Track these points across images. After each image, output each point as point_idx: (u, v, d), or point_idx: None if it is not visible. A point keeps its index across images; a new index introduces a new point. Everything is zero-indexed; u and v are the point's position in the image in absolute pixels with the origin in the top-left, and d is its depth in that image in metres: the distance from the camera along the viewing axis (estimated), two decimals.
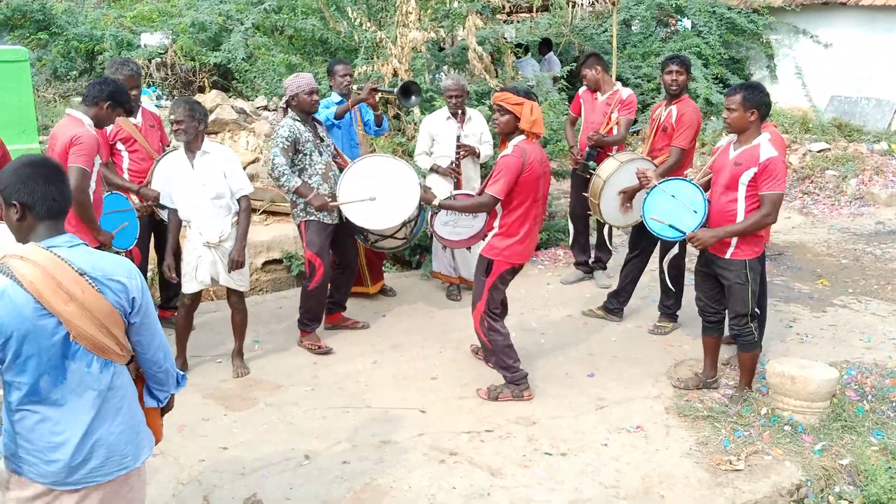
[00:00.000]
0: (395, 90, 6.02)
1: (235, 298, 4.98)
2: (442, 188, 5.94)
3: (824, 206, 9.59)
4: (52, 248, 2.28)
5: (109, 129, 5.15)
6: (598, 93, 6.34)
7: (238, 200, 4.79)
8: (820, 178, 10.18)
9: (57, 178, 2.35)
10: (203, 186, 4.66)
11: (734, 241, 4.41)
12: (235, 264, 4.78)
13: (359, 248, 5.89)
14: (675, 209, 4.56)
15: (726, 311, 4.68)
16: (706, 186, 4.60)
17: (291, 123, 5.14)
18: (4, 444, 2.37)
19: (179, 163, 4.73)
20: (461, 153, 5.96)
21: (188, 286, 4.81)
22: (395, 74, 7.39)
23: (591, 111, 6.33)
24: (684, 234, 4.53)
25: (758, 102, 4.26)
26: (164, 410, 2.77)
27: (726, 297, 4.58)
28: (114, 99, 4.43)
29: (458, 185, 6.04)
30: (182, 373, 2.73)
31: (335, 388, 4.90)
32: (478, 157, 6.10)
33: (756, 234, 4.43)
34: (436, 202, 4.73)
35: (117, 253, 5.03)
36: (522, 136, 4.46)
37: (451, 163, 5.99)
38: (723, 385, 4.89)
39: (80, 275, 2.26)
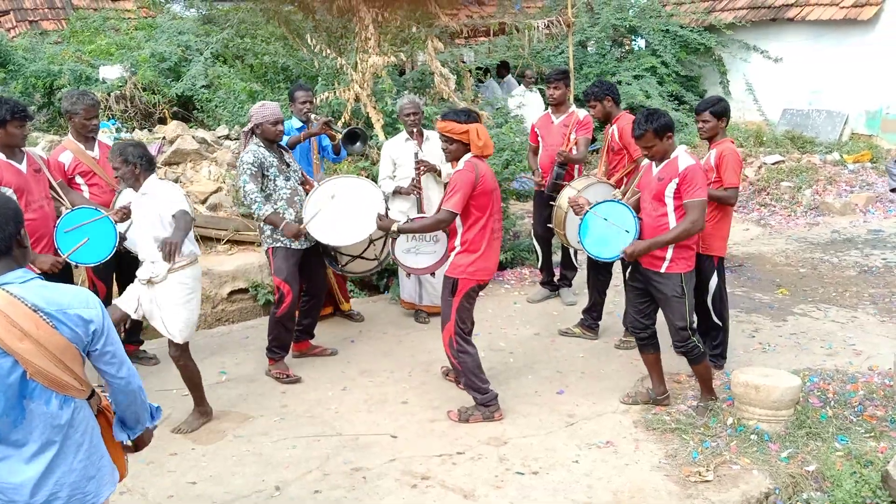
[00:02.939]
0: (341, 132, 6.02)
1: (171, 351, 4.59)
2: (405, 209, 5.98)
3: (781, 217, 9.79)
4: (4, 284, 2.26)
5: (68, 160, 5.14)
6: (553, 116, 6.46)
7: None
8: (776, 189, 10.40)
9: None
10: (140, 225, 4.51)
11: (669, 255, 4.52)
12: (165, 246, 4.29)
13: (328, 275, 5.89)
14: (609, 231, 4.68)
15: (654, 325, 4.78)
16: (636, 205, 4.74)
17: (255, 149, 5.14)
18: None
19: (130, 197, 4.65)
20: (420, 169, 5.99)
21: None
22: (357, 100, 7.43)
23: (548, 135, 6.43)
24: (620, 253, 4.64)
25: (663, 126, 4.42)
26: (139, 447, 2.74)
27: (664, 311, 4.66)
28: None
29: (420, 203, 6.07)
30: (156, 405, 2.71)
31: (305, 417, 4.87)
32: (439, 174, 6.14)
33: (688, 246, 4.56)
34: (394, 227, 4.75)
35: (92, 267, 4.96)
36: (472, 154, 4.55)
37: (412, 181, 6.01)
38: (689, 397, 4.96)
39: (34, 311, 2.24)
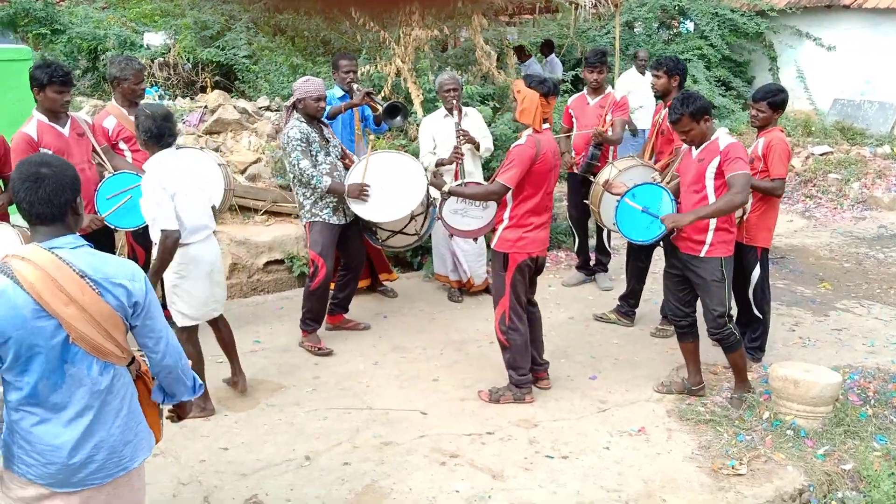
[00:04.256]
0: (382, 106, 5.97)
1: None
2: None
3: (826, 210, 9.57)
4: (54, 249, 2.27)
5: (112, 125, 5.18)
6: (589, 97, 6.34)
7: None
8: (822, 181, 10.16)
9: (44, 183, 2.27)
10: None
11: (709, 238, 4.44)
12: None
13: (367, 248, 5.89)
14: (645, 214, 4.61)
15: (694, 313, 4.69)
16: (675, 190, 4.67)
17: (298, 124, 5.15)
18: (3, 443, 2.36)
19: None
20: (461, 139, 5.90)
21: None
22: (399, 74, 7.37)
23: (583, 116, 6.32)
24: (659, 226, 4.52)
25: (699, 109, 4.34)
26: (181, 416, 2.76)
27: (702, 297, 4.58)
28: (34, 82, 4.61)
29: (458, 174, 5.99)
30: (200, 381, 2.71)
31: (336, 389, 4.89)
32: (477, 148, 6.07)
33: (728, 230, 4.47)
34: (445, 188, 4.72)
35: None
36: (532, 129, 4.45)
37: (454, 149, 5.89)
38: (725, 389, 4.88)
39: (81, 277, 2.25)
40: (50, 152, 4.62)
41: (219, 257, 4.50)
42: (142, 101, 5.42)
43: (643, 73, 9.71)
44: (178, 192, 4.11)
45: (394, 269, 7.14)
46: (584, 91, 6.45)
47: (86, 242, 2.35)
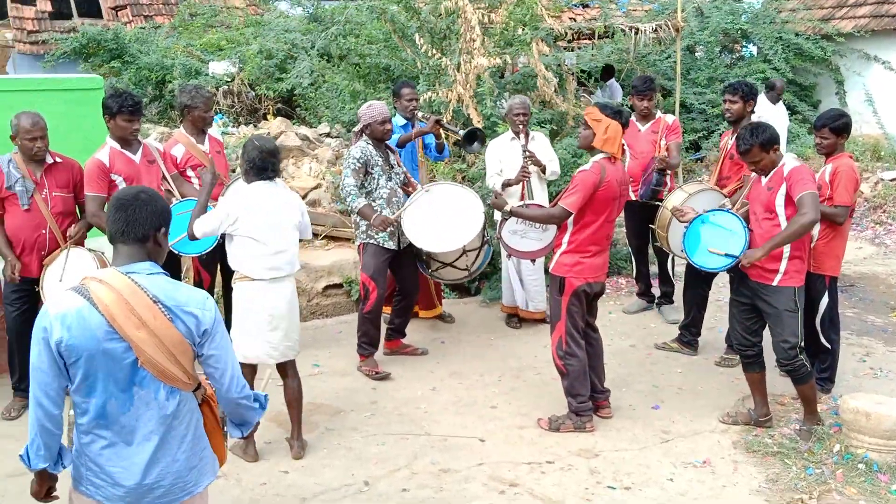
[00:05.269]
0: (461, 133, 5.99)
1: None
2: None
3: None
4: (131, 273, 2.34)
5: (180, 153, 5.31)
6: (639, 123, 6.27)
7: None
8: (893, 207, 9.83)
9: (128, 205, 2.38)
10: None
11: (783, 267, 4.34)
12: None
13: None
14: (715, 241, 4.55)
15: (761, 342, 4.57)
16: (745, 216, 4.61)
17: (364, 146, 5.25)
18: (73, 464, 2.42)
19: None
20: (528, 160, 5.87)
21: None
22: (460, 101, 7.42)
23: (636, 143, 6.24)
24: (733, 258, 4.46)
25: (768, 139, 4.31)
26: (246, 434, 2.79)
27: (773, 327, 4.45)
28: (105, 111, 4.82)
29: (522, 195, 5.97)
30: (264, 394, 2.71)
31: (394, 414, 4.89)
32: (543, 171, 6.05)
33: (801, 258, 4.37)
34: (507, 208, 4.73)
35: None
36: (604, 154, 4.43)
37: (522, 168, 5.86)
38: (793, 420, 4.72)
39: (154, 302, 2.31)
40: (120, 178, 4.78)
41: (285, 304, 4.24)
42: (210, 129, 5.55)
43: (775, 103, 9.70)
44: (241, 222, 4.10)
45: (451, 293, 7.14)
46: (633, 118, 6.35)
47: (162, 270, 2.42)
